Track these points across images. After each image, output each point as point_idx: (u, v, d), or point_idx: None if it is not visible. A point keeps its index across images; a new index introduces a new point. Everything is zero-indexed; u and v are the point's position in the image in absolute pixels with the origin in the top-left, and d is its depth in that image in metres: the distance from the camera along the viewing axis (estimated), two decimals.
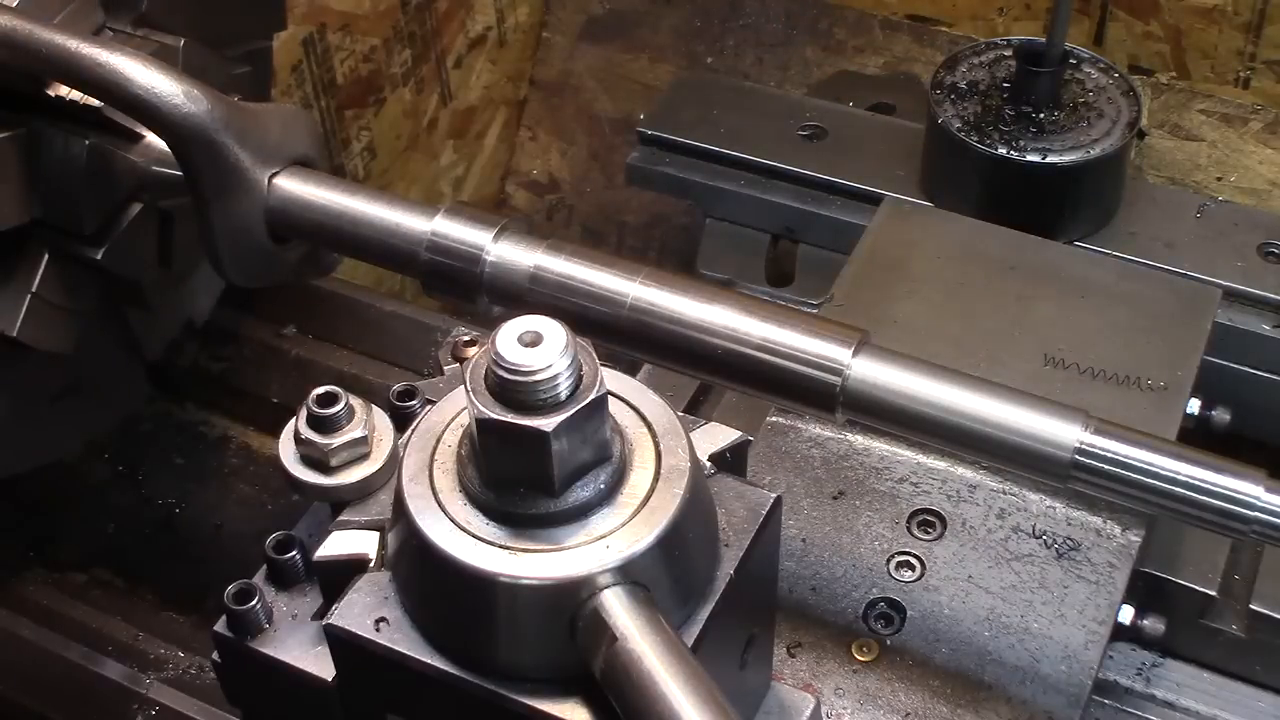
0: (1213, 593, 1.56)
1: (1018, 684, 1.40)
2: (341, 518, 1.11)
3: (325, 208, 1.43)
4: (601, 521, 0.99)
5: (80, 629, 1.80)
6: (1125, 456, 1.21)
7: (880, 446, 1.60)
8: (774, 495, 1.10)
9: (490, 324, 1.01)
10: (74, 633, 1.79)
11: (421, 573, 1.02)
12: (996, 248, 1.81)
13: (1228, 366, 1.94)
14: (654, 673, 0.95)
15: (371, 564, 1.08)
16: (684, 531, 1.00)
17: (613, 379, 1.05)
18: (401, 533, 1.03)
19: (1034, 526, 1.52)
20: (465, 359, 1.24)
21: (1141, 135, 2.56)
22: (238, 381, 2.11)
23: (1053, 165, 2.01)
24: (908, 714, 1.38)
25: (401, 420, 1.16)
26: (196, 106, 1.37)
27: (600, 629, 0.96)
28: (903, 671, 1.41)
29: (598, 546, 0.98)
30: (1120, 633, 1.51)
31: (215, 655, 1.18)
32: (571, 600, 0.97)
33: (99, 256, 1.61)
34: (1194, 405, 1.63)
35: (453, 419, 1.06)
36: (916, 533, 1.52)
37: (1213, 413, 1.69)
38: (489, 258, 1.36)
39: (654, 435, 1.04)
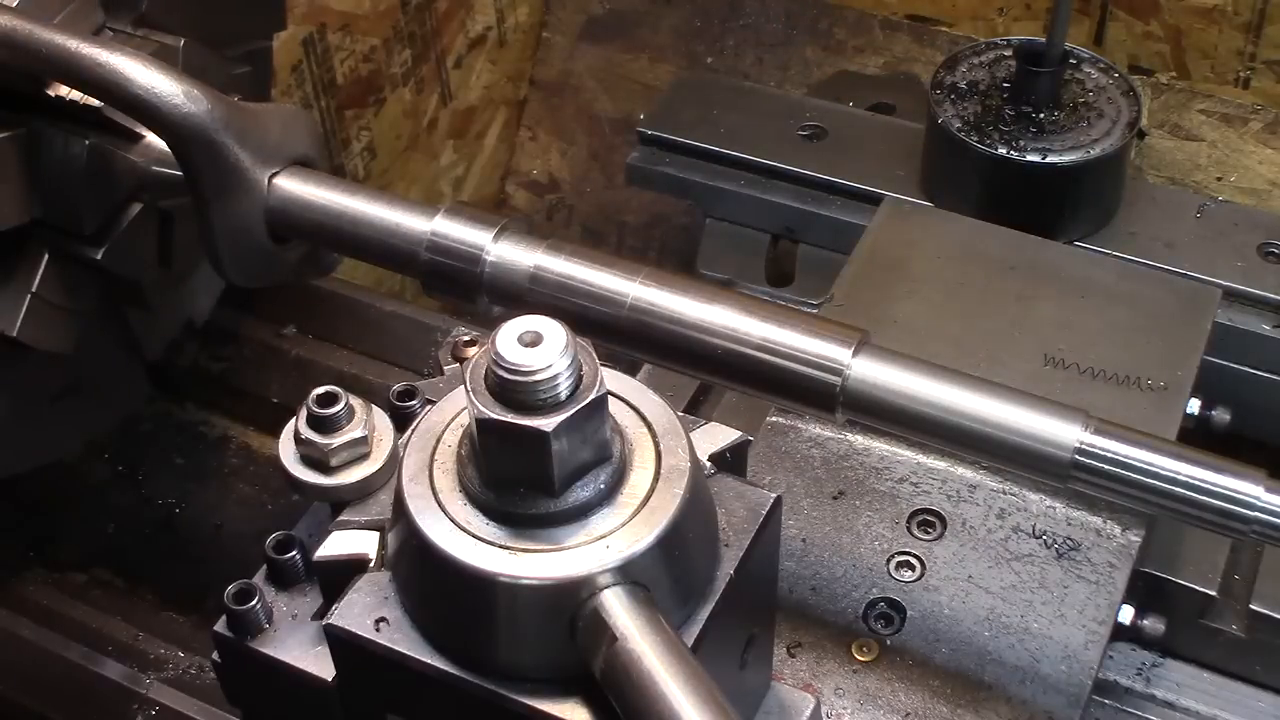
0: (1213, 593, 1.56)
1: (1018, 684, 1.40)
2: (341, 518, 1.11)
3: (325, 208, 1.43)
4: (601, 521, 0.99)
5: (80, 629, 1.80)
6: (1125, 456, 1.21)
7: (880, 446, 1.60)
8: (774, 495, 1.10)
9: (490, 324, 1.01)
10: (74, 633, 1.79)
11: (421, 573, 1.02)
12: (996, 248, 1.81)
13: (1228, 366, 1.94)
14: (654, 673, 0.95)
15: (371, 564, 1.08)
16: (684, 531, 1.00)
17: (613, 379, 1.05)
18: (401, 533, 1.03)
19: (1034, 526, 1.52)
20: (465, 359, 1.24)
21: (1141, 135, 2.56)
22: (238, 381, 2.11)
23: (1053, 165, 2.01)
24: (908, 714, 1.38)
25: (401, 420, 1.16)
26: (196, 106, 1.37)
27: (600, 629, 0.96)
28: (903, 671, 1.41)
29: (598, 546, 0.98)
30: (1120, 633, 1.51)
31: (215, 655, 1.18)
32: (571, 600, 0.97)
33: (99, 256, 1.61)
34: (1194, 405, 1.63)
35: (453, 419, 1.06)
36: (916, 533, 1.52)
37: (1213, 413, 1.69)
38: (489, 258, 1.36)
39: (654, 435, 1.04)
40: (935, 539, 1.52)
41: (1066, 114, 2.07)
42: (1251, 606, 1.55)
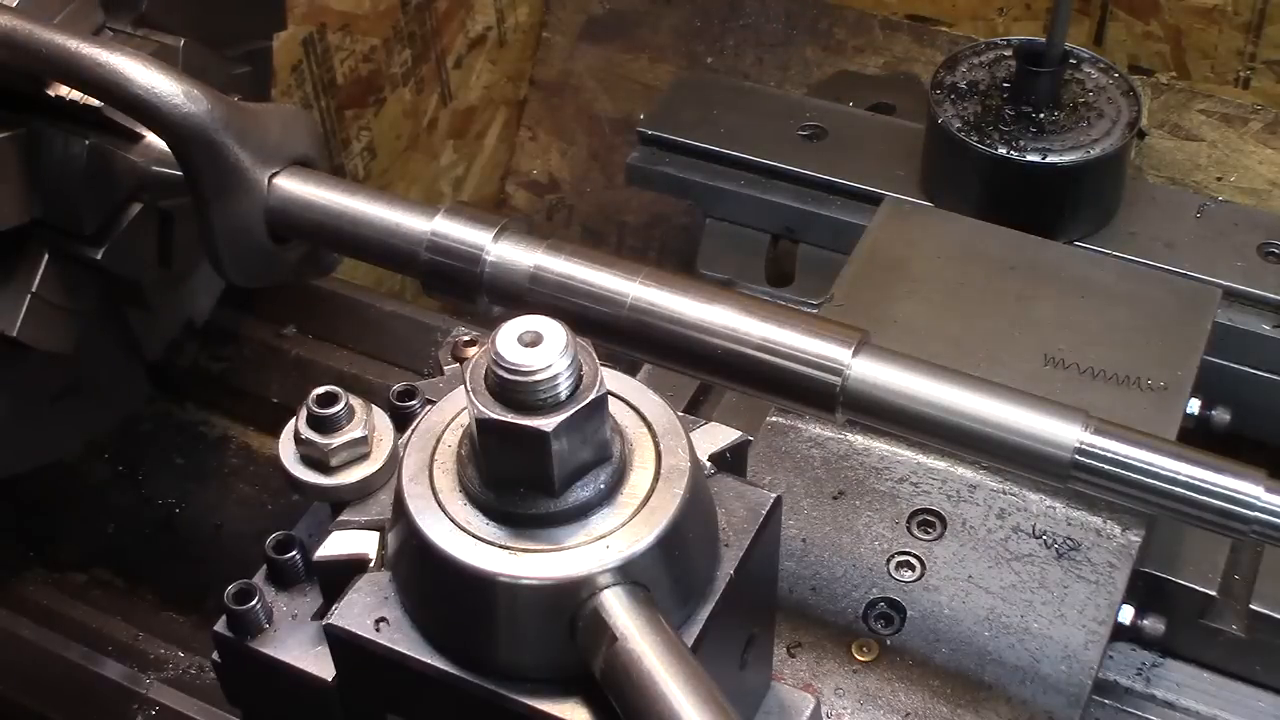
0: (1213, 593, 1.56)
1: (1018, 684, 1.40)
2: (341, 518, 1.11)
3: (325, 208, 1.43)
4: (601, 521, 0.99)
5: (80, 629, 1.80)
6: (1125, 456, 1.21)
7: (880, 446, 1.60)
8: (774, 495, 1.10)
9: (490, 324, 1.01)
10: (74, 633, 1.79)
11: (421, 573, 1.02)
12: (996, 248, 1.81)
13: (1228, 366, 1.94)
14: (654, 673, 0.95)
15: (371, 564, 1.08)
16: (684, 531, 1.00)
17: (613, 379, 1.05)
18: (401, 533, 1.03)
19: (1034, 526, 1.52)
20: (465, 359, 1.24)
21: (1141, 135, 2.56)
22: (238, 381, 2.11)
23: (1053, 165, 2.01)
24: (908, 714, 1.38)
25: (401, 420, 1.16)
26: (196, 106, 1.37)
27: (600, 629, 0.96)
28: (903, 671, 1.41)
29: (598, 546, 0.98)
30: (1120, 633, 1.51)
31: (215, 655, 1.18)
32: (571, 600, 0.97)
33: (99, 256, 1.61)
34: (1194, 405, 1.63)
35: (453, 419, 1.06)
36: (916, 533, 1.52)
37: (1213, 413, 1.69)
38: (489, 258, 1.36)
39: (654, 435, 1.04)
40: (935, 539, 1.52)
41: (1066, 114, 2.07)
42: (1251, 606, 1.55)
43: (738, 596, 1.06)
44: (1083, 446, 1.21)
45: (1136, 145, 2.47)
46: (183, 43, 1.62)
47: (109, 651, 1.77)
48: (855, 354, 1.26)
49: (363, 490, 1.12)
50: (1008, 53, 2.16)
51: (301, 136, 1.48)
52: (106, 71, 1.38)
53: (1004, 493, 1.55)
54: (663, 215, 2.94)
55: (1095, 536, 1.51)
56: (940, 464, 1.57)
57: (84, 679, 1.74)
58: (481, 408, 0.96)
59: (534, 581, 0.97)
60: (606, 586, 0.97)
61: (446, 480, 1.02)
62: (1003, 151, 2.02)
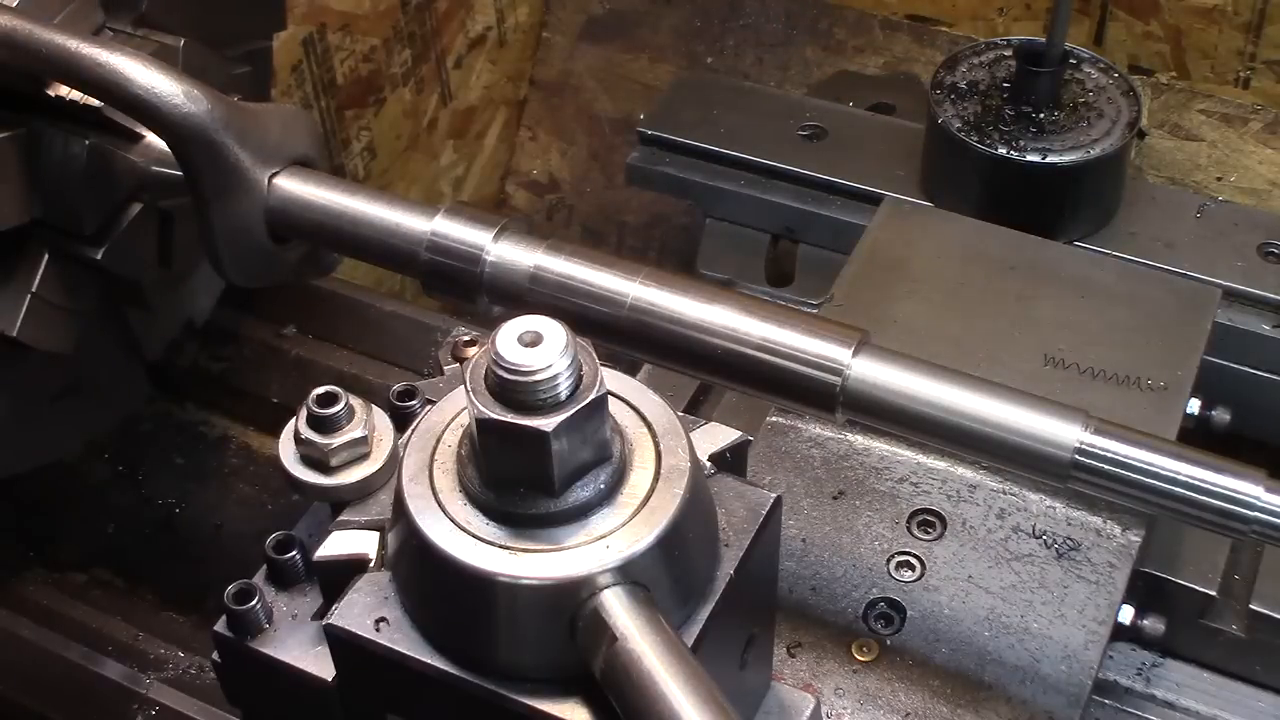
0: (1213, 593, 1.56)
1: (1018, 684, 1.40)
2: (341, 518, 1.11)
3: (325, 208, 1.43)
4: (601, 521, 0.99)
5: (80, 629, 1.80)
6: (1125, 456, 1.21)
7: (880, 446, 1.60)
8: (774, 495, 1.10)
9: (490, 324, 1.01)
10: (74, 633, 1.79)
11: (421, 573, 1.02)
12: (996, 248, 1.81)
13: (1228, 366, 1.94)
14: (654, 673, 0.95)
15: (371, 564, 1.08)
16: (684, 531, 1.00)
17: (613, 379, 1.05)
18: (401, 533, 1.03)
19: (1034, 526, 1.52)
20: (465, 359, 1.24)
21: (1141, 135, 2.56)
22: (238, 381, 2.11)
23: (1053, 165, 2.01)
24: (908, 714, 1.38)
25: (401, 420, 1.16)
26: (196, 106, 1.37)
27: (600, 629, 0.96)
28: (903, 671, 1.41)
29: (598, 546, 0.98)
30: (1120, 633, 1.51)
31: (215, 655, 1.18)
32: (571, 600, 0.97)
33: (99, 256, 1.61)
34: (1194, 405, 1.63)
35: (453, 419, 1.06)
36: (916, 533, 1.52)
37: (1213, 413, 1.69)
38: (489, 258, 1.36)
39: (654, 435, 1.04)
40: (935, 539, 1.52)
41: (1066, 114, 2.07)
42: (1251, 606, 1.55)
43: (738, 596, 1.06)
44: (1083, 446, 1.21)
45: (1136, 145, 2.47)
46: (183, 43, 1.63)
47: (109, 651, 1.77)
48: (855, 354, 1.26)
49: (363, 490, 1.12)
50: (1008, 53, 2.16)
51: (301, 136, 1.48)
52: (106, 71, 1.38)
53: (1004, 493, 1.55)
54: (663, 215, 2.94)
55: (1095, 536, 1.51)
56: (940, 464, 1.57)
57: (84, 679, 1.74)
58: (481, 408, 0.96)
59: (534, 581, 0.97)
60: (606, 586, 0.97)
61: (446, 480, 1.02)
62: (1003, 151, 2.02)
